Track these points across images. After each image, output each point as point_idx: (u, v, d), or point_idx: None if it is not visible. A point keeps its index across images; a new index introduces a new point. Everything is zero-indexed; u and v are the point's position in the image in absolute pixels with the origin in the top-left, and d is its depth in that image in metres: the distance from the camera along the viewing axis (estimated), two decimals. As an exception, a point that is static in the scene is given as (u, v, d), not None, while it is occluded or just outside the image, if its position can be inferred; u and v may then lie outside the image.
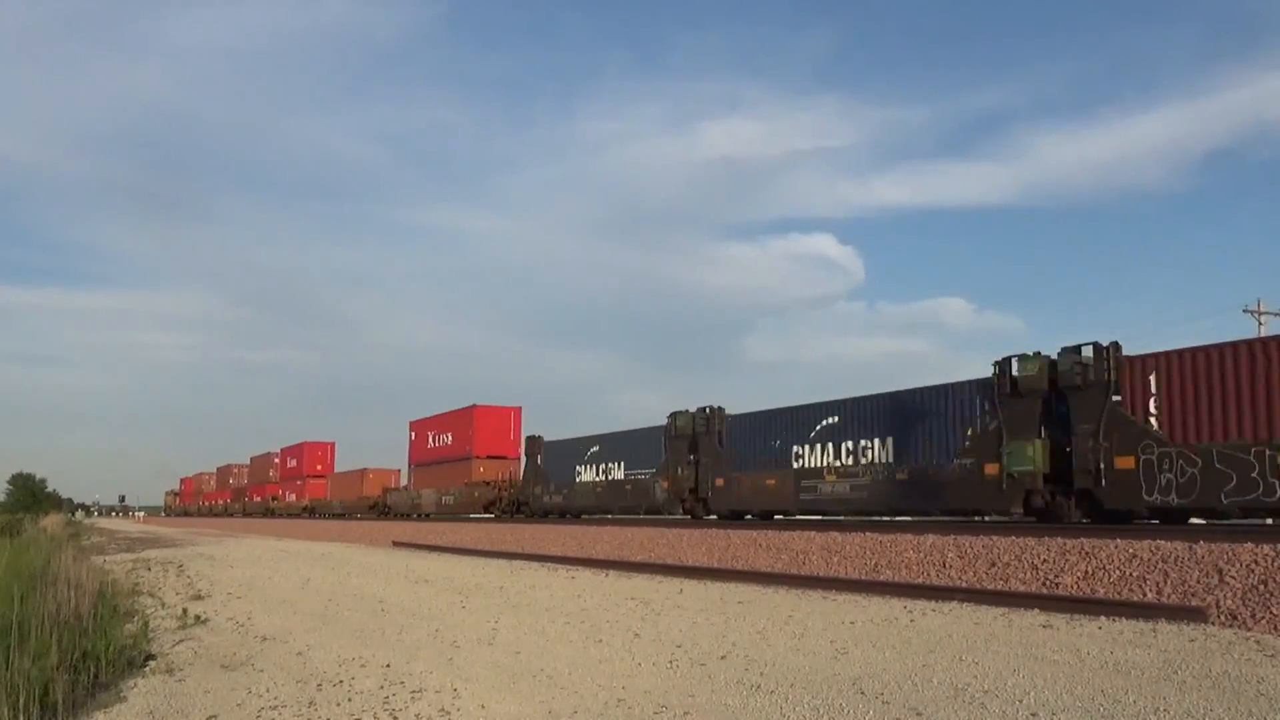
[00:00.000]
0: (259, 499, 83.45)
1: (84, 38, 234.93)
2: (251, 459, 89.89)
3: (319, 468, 72.82)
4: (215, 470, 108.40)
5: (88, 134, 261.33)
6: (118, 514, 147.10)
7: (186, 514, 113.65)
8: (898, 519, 21.98)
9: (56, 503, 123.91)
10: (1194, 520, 17.06)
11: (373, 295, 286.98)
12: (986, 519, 20.06)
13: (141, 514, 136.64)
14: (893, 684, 7.34)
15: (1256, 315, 36.77)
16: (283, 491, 78.32)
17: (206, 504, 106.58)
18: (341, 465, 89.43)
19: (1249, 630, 9.73)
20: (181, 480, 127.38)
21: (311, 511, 69.03)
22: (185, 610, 13.19)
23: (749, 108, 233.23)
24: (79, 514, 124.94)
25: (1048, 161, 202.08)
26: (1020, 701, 6.67)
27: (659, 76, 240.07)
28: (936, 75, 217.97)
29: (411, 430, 53.63)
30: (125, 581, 18.27)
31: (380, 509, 56.13)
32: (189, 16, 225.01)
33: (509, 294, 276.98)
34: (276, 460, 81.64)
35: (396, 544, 31.77)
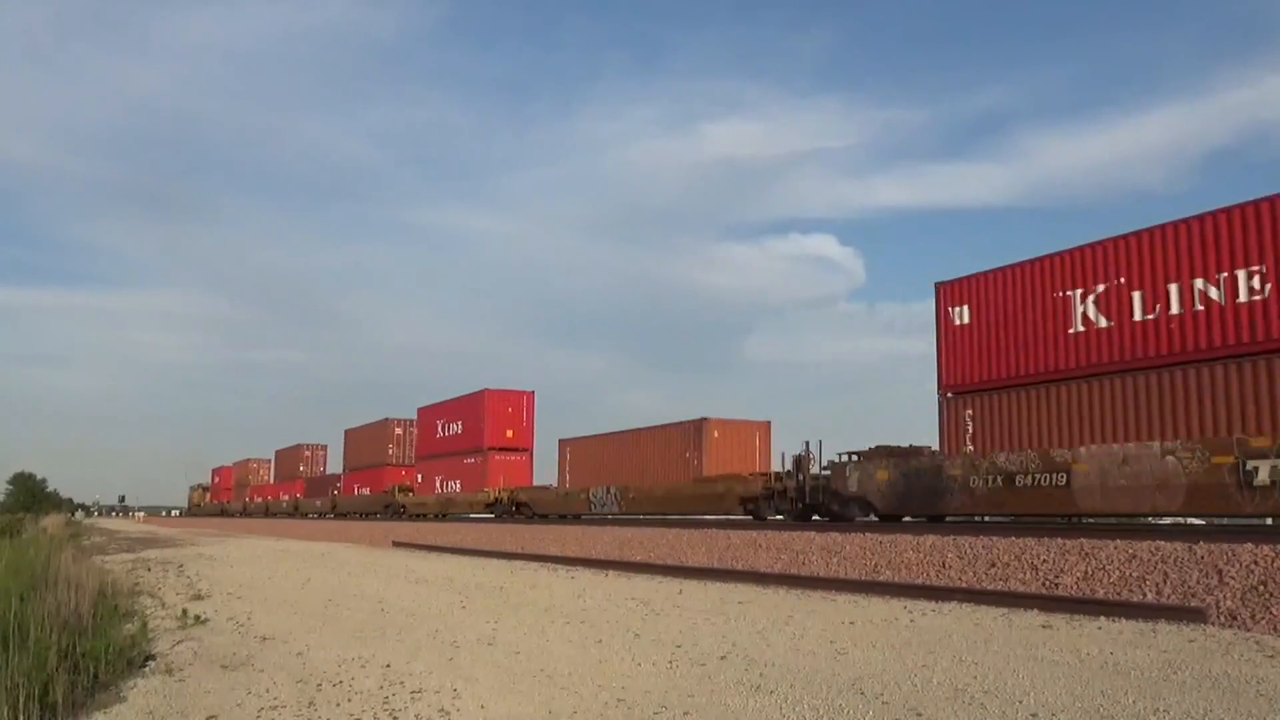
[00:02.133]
0: (367, 490, 55.57)
1: (85, 38, 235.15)
2: (347, 432, 61.94)
3: (509, 434, 42.16)
4: (273, 455, 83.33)
5: (88, 134, 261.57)
6: (118, 514, 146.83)
7: (225, 514, 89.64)
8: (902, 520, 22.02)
9: (56, 503, 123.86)
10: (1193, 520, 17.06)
11: (373, 295, 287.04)
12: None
13: (141, 514, 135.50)
14: (893, 684, 7.34)
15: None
16: (428, 477, 47.85)
17: (258, 500, 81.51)
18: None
19: (1249, 631, 9.73)
20: (214, 472, 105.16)
21: (515, 507, 38.72)
22: (185, 610, 13.19)
23: (749, 108, 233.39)
24: (79, 514, 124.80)
25: (1048, 162, 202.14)
26: (1020, 702, 6.68)
27: (659, 77, 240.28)
28: (936, 75, 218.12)
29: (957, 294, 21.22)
30: (125, 581, 18.26)
31: (845, 506, 23.19)
32: (190, 17, 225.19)
33: (509, 294, 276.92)
34: (402, 431, 53.93)
35: (396, 544, 31.76)
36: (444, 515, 44.61)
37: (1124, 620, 10.35)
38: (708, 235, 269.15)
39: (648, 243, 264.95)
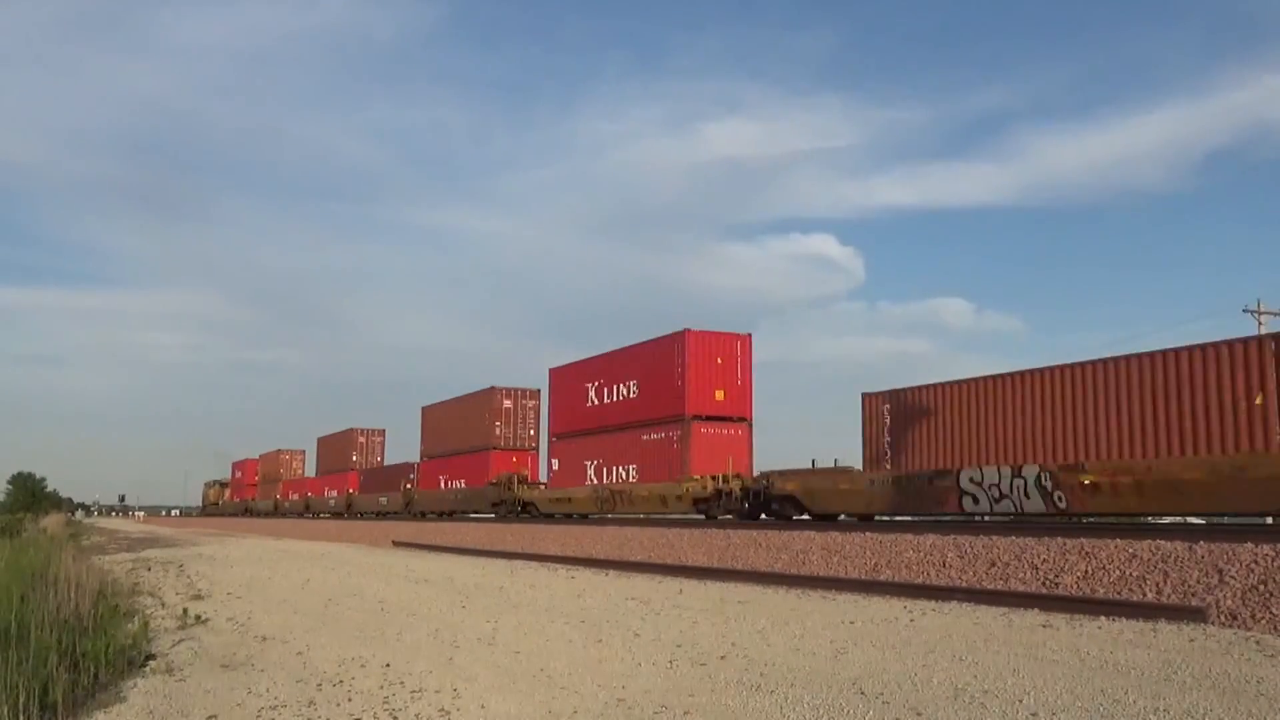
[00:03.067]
0: (461, 482, 42.34)
1: (84, 38, 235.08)
2: (425, 410, 48.24)
3: (719, 396, 28.74)
4: (315, 443, 70.28)
5: (88, 134, 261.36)
6: (117, 514, 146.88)
7: (251, 513, 79.77)
8: (897, 518, 22.01)
9: (56, 502, 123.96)
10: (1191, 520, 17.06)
11: (373, 295, 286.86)
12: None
13: (141, 514, 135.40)
14: (893, 684, 7.34)
15: (1256, 315, 36.79)
16: (571, 462, 33.66)
17: (294, 497, 70.83)
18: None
19: (1249, 630, 9.73)
20: (235, 466, 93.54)
21: (755, 502, 25.18)
22: (185, 610, 13.19)
23: (749, 108, 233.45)
24: (79, 514, 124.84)
25: (1048, 161, 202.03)
26: (1020, 701, 6.67)
27: (659, 77, 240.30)
28: (936, 75, 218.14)
29: None
30: (125, 581, 18.28)
31: None
32: (189, 16, 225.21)
33: (509, 294, 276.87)
34: (513, 404, 41.11)
35: (396, 544, 31.77)
36: (597, 515, 31.56)
37: (1124, 620, 10.35)
38: (708, 235, 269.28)
39: (648, 243, 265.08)
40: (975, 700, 6.74)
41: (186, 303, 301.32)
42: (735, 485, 25.66)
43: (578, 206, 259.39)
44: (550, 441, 36.15)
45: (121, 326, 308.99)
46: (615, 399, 31.86)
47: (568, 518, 33.15)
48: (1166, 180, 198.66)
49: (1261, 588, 10.57)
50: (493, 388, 41.46)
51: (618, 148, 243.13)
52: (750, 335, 29.20)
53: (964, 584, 13.51)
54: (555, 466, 35.37)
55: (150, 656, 9.48)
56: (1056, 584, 12.63)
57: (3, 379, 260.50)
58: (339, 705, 7.19)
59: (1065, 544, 13.73)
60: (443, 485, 45.01)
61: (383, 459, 60.78)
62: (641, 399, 30.44)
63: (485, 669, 8.47)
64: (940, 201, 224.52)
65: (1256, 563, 11.16)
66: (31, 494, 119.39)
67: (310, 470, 72.59)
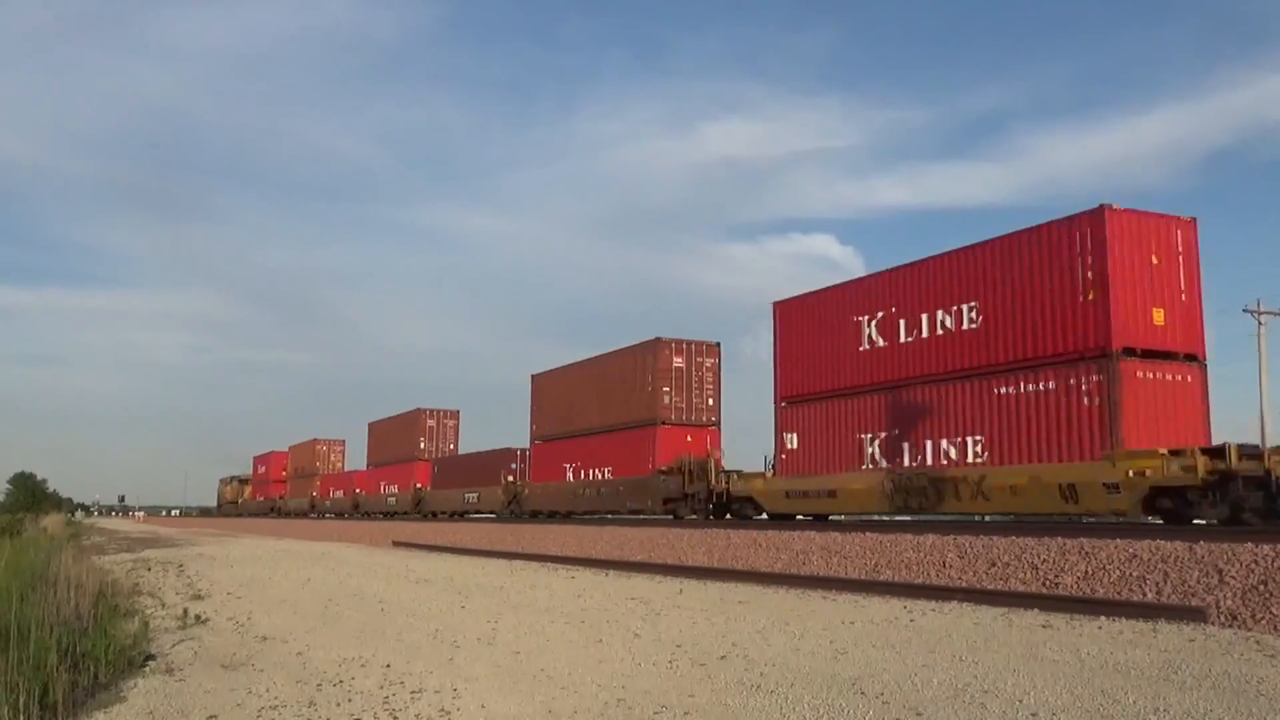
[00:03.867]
0: (606, 471, 32.01)
1: (84, 38, 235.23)
2: (535, 378, 38.49)
3: (1158, 318, 17.28)
4: (366, 430, 59.19)
5: (88, 134, 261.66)
6: (117, 514, 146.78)
7: (279, 512, 70.80)
8: (897, 518, 22.01)
9: (57, 503, 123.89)
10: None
11: (373, 295, 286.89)
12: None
13: (141, 514, 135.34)
14: (893, 684, 7.34)
15: (1256, 315, 36.80)
16: (831, 440, 22.60)
17: (337, 494, 61.06)
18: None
19: (1249, 630, 9.73)
20: (257, 461, 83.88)
21: None
22: (185, 610, 13.18)
23: (750, 108, 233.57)
24: (79, 514, 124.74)
25: (1048, 162, 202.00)
26: (1020, 701, 6.67)
27: (659, 77, 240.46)
28: (936, 75, 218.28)
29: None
30: (125, 581, 18.27)
31: None
32: (189, 17, 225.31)
33: (509, 294, 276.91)
34: (684, 361, 31.02)
35: (396, 544, 31.78)
36: (891, 517, 21.95)
37: (1124, 620, 10.34)
38: (708, 235, 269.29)
39: (648, 243, 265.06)
40: (975, 700, 6.74)
41: (187, 303, 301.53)
42: (1253, 469, 14.98)
43: (578, 206, 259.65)
44: (777, 408, 24.95)
45: (122, 326, 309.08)
46: (928, 333, 20.65)
47: (788, 518, 23.52)
48: (1166, 180, 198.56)
49: (1261, 588, 10.57)
50: (658, 339, 31.07)
51: (618, 148, 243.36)
52: (1195, 220, 18.26)
53: (964, 584, 13.51)
54: (792, 444, 24.21)
55: (150, 656, 9.48)
56: (1056, 584, 12.63)
57: (3, 379, 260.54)
58: (339, 705, 7.19)
59: (1065, 544, 13.73)
60: (570, 476, 34.17)
61: (457, 446, 51.69)
62: (989, 328, 19.25)
63: (485, 669, 8.47)
64: (941, 201, 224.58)
65: (1256, 563, 11.16)
66: (32, 494, 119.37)
67: (355, 462, 62.03)
